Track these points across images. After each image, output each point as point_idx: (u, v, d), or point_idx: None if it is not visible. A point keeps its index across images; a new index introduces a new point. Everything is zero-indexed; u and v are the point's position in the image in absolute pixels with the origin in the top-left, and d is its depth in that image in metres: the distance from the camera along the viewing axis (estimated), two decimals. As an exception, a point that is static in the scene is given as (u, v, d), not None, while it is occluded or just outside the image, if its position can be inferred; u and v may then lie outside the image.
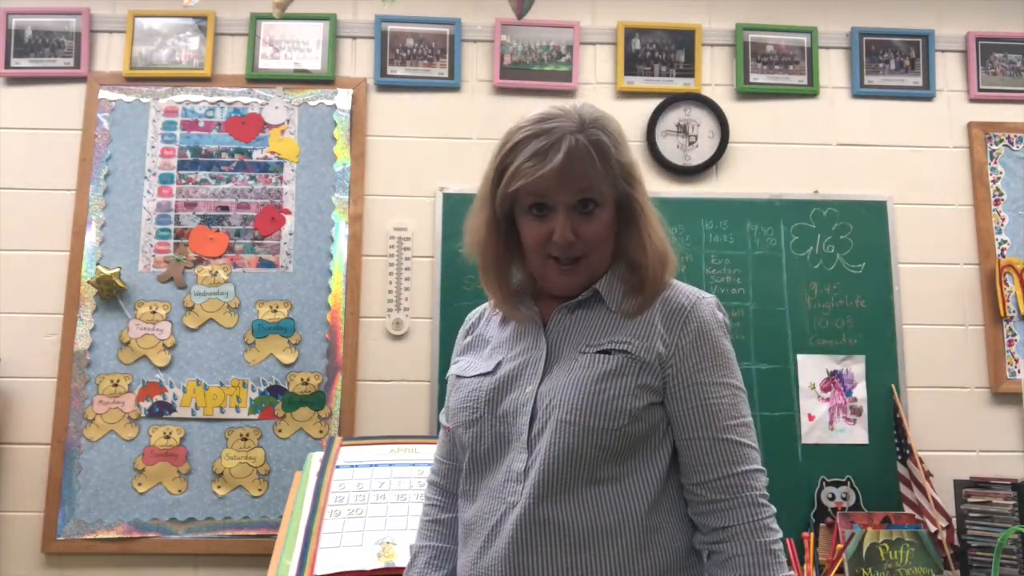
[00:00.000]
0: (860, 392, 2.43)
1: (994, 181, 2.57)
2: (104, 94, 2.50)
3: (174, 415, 2.35)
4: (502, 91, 2.57)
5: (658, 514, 1.09)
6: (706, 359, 1.12)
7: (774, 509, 1.10)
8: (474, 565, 1.11)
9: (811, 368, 2.43)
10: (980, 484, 2.27)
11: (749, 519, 1.07)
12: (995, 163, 2.58)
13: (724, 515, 1.07)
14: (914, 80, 2.62)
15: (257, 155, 2.49)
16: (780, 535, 1.08)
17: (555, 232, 1.13)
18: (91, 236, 2.42)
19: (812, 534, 2.27)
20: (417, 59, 2.56)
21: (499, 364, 1.20)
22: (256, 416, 2.36)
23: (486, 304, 1.35)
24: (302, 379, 2.38)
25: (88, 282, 2.39)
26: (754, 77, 2.60)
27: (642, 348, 1.11)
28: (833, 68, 2.63)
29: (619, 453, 1.08)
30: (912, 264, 2.52)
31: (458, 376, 1.25)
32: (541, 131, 1.13)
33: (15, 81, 2.52)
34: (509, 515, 1.08)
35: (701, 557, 1.13)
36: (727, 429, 1.09)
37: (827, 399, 2.42)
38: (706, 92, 2.59)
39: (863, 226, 2.52)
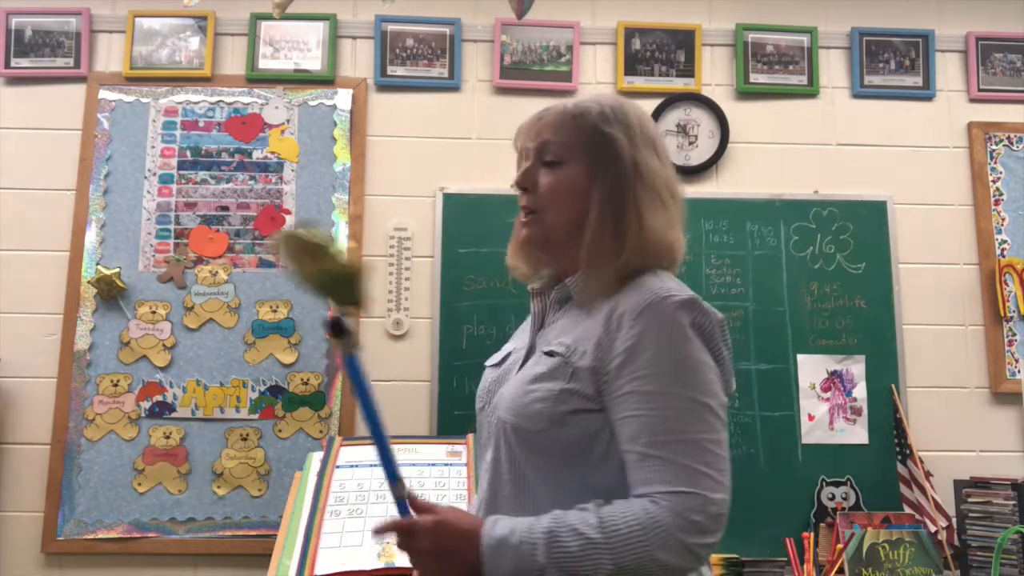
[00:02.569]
0: (860, 392, 2.43)
1: (994, 181, 2.57)
2: (104, 94, 2.50)
3: (174, 415, 2.35)
4: (502, 91, 2.57)
5: None
6: (643, 366, 0.99)
7: (695, 541, 0.93)
8: None
9: (811, 368, 2.43)
10: (980, 484, 2.27)
11: (650, 516, 0.94)
12: (995, 163, 2.58)
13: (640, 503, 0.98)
14: (914, 80, 2.62)
15: (257, 155, 2.49)
16: (666, 564, 0.93)
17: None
18: (91, 236, 2.42)
19: (812, 534, 2.27)
20: (417, 59, 2.56)
21: (508, 355, 1.22)
22: (256, 416, 2.36)
23: None
24: (302, 379, 2.38)
25: (88, 282, 2.39)
26: (754, 77, 2.60)
27: (577, 351, 1.05)
28: (833, 68, 2.63)
29: (557, 459, 1.04)
30: (912, 264, 2.52)
31: (486, 365, 1.28)
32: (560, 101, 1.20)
33: (15, 81, 2.52)
34: (494, 504, 1.10)
35: None
36: (657, 444, 0.96)
37: (827, 399, 2.42)
38: (706, 92, 2.59)
39: (863, 226, 2.52)
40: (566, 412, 1.03)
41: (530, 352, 1.15)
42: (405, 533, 0.99)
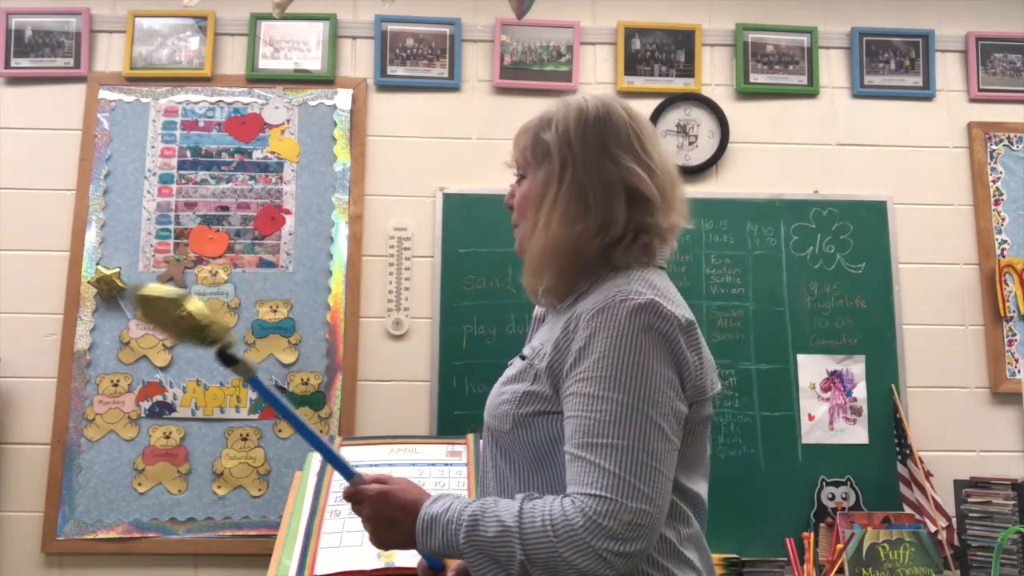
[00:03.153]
0: (860, 392, 2.43)
1: (994, 181, 2.57)
2: (104, 94, 2.50)
3: (174, 415, 2.35)
4: (502, 91, 2.57)
5: None
6: (587, 369, 0.98)
7: (604, 545, 0.91)
8: None
9: (811, 368, 2.43)
10: (980, 484, 2.27)
11: (564, 515, 0.93)
12: (995, 163, 2.58)
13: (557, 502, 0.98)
14: (914, 80, 2.62)
15: (257, 155, 2.49)
16: (575, 565, 0.92)
17: None
18: (91, 236, 2.42)
19: (812, 534, 2.27)
20: (417, 59, 2.56)
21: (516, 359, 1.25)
22: (256, 416, 2.36)
23: None
24: (302, 379, 2.38)
25: (88, 282, 2.39)
26: (754, 77, 2.60)
27: (540, 353, 1.06)
28: (833, 68, 2.63)
29: (530, 461, 1.06)
30: (912, 264, 2.52)
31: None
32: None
33: (15, 81, 2.52)
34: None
35: None
36: (583, 446, 0.96)
37: (827, 399, 2.42)
38: (706, 92, 2.59)
39: (863, 226, 2.52)
40: (528, 414, 1.05)
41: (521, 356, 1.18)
42: (354, 499, 1.07)
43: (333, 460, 1.10)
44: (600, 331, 0.99)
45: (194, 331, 1.02)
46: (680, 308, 1.03)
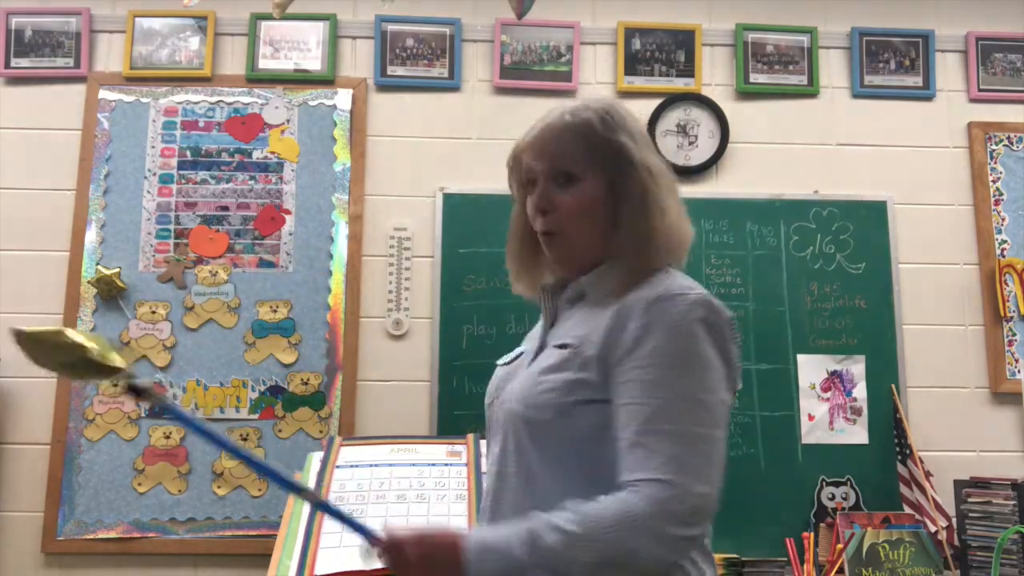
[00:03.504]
0: (860, 392, 2.43)
1: (994, 181, 2.57)
2: (104, 94, 2.50)
3: (174, 415, 2.35)
4: (502, 91, 2.57)
5: None
6: (645, 357, 1.00)
7: (675, 532, 0.93)
8: None
9: (811, 368, 2.43)
10: (980, 484, 2.27)
11: (627, 507, 0.94)
12: (995, 163, 2.58)
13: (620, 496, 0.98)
14: (914, 80, 2.62)
15: (257, 155, 2.49)
16: (648, 555, 0.93)
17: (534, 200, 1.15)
18: (91, 236, 2.42)
19: (812, 534, 2.27)
20: (417, 59, 2.56)
21: (521, 354, 1.23)
22: (256, 416, 2.36)
23: None
24: (302, 379, 2.38)
25: (88, 282, 2.39)
26: (754, 77, 2.60)
27: (588, 344, 1.06)
28: (833, 68, 2.63)
29: (565, 448, 1.05)
30: (912, 264, 2.52)
31: (497, 363, 1.30)
32: (549, 111, 1.18)
33: (15, 81, 2.52)
34: (500, 496, 1.12)
35: (685, 571, 1.03)
36: (643, 432, 0.97)
37: (827, 399, 2.42)
38: (706, 92, 2.59)
39: (863, 226, 2.52)
40: (574, 402, 1.04)
41: (541, 349, 1.17)
42: (390, 549, 0.99)
43: (361, 530, 1.03)
44: (658, 321, 1.01)
45: (83, 367, 1.00)
46: (724, 307, 1.07)
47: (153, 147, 2.48)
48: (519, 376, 1.15)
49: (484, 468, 1.26)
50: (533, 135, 1.16)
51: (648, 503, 0.93)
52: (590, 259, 1.15)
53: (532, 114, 1.21)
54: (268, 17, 2.53)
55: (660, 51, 2.59)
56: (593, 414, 1.03)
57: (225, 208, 2.46)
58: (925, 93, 2.61)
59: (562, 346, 1.09)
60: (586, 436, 1.04)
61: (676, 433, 0.97)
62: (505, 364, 1.26)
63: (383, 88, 2.56)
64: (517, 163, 1.20)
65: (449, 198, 2.49)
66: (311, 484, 1.97)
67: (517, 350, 1.27)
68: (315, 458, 2.07)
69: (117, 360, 0.99)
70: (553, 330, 1.18)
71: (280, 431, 2.36)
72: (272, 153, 2.49)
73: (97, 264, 2.40)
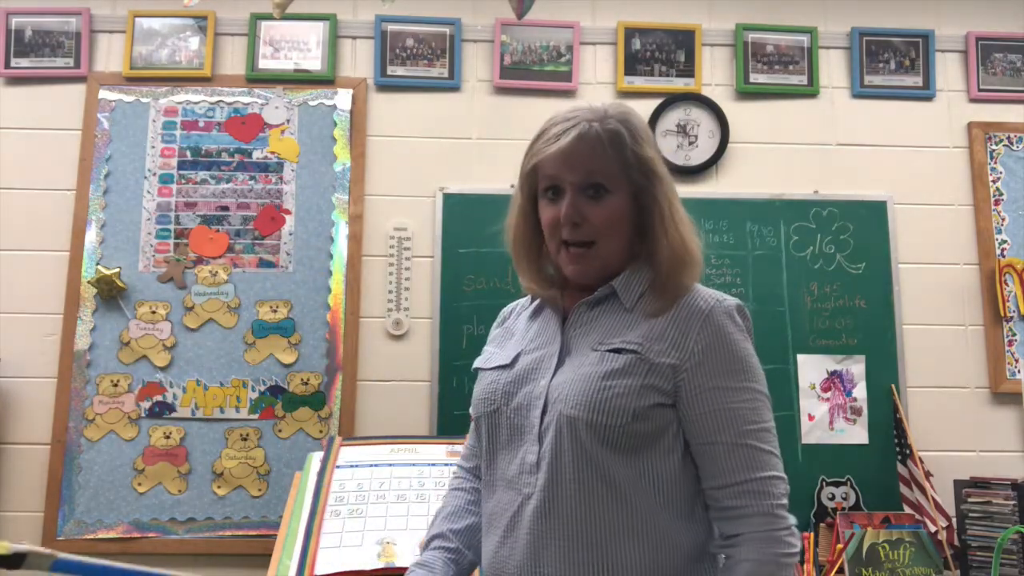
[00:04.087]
0: (860, 392, 2.43)
1: (994, 181, 2.57)
2: (104, 94, 2.50)
3: (174, 415, 2.35)
4: (502, 91, 2.57)
5: (671, 517, 1.08)
6: (723, 363, 1.10)
7: (792, 520, 1.08)
8: (495, 555, 1.14)
9: (811, 368, 2.43)
10: (980, 484, 2.27)
11: (762, 528, 1.06)
12: (995, 163, 2.58)
13: (739, 523, 1.07)
14: (914, 80, 2.62)
15: (257, 155, 2.49)
16: (794, 549, 1.06)
17: (562, 212, 1.15)
18: (91, 236, 2.42)
19: (812, 534, 2.27)
20: (417, 59, 2.56)
21: (518, 356, 1.21)
22: (256, 416, 2.36)
23: (522, 299, 1.35)
24: (302, 379, 2.38)
25: (88, 282, 2.39)
26: (754, 77, 2.60)
27: (653, 351, 1.10)
28: (833, 68, 2.63)
29: (626, 452, 1.08)
30: (912, 264, 2.52)
31: (479, 368, 1.28)
32: (565, 119, 1.17)
33: (15, 81, 2.52)
34: (526, 507, 1.10)
35: (716, 562, 1.12)
36: (746, 434, 1.08)
37: (827, 399, 2.42)
38: (706, 92, 2.59)
39: (863, 226, 2.52)
40: (648, 406, 1.08)
41: (566, 351, 1.16)
42: None
43: None
44: (723, 330, 1.11)
45: None
46: None
47: (153, 147, 2.48)
48: (565, 378, 1.12)
49: (483, 482, 1.24)
50: (562, 146, 1.14)
51: (774, 512, 1.07)
52: (615, 269, 1.19)
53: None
54: (268, 17, 2.53)
55: (660, 51, 2.59)
56: (660, 417, 1.10)
57: (225, 208, 2.46)
58: (925, 93, 2.61)
59: (618, 351, 1.11)
60: (649, 437, 1.09)
61: (767, 431, 1.10)
62: (501, 367, 1.22)
63: (383, 88, 2.56)
64: (535, 171, 1.18)
65: (449, 198, 2.49)
66: (311, 484, 1.98)
67: (508, 351, 1.24)
68: (315, 458, 2.07)
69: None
70: (575, 332, 1.18)
71: (280, 431, 2.36)
72: (272, 153, 2.49)
73: (97, 264, 2.40)
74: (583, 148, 1.13)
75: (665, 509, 1.08)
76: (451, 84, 2.55)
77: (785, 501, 1.08)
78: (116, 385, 2.35)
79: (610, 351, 1.11)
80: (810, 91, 2.60)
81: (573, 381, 1.11)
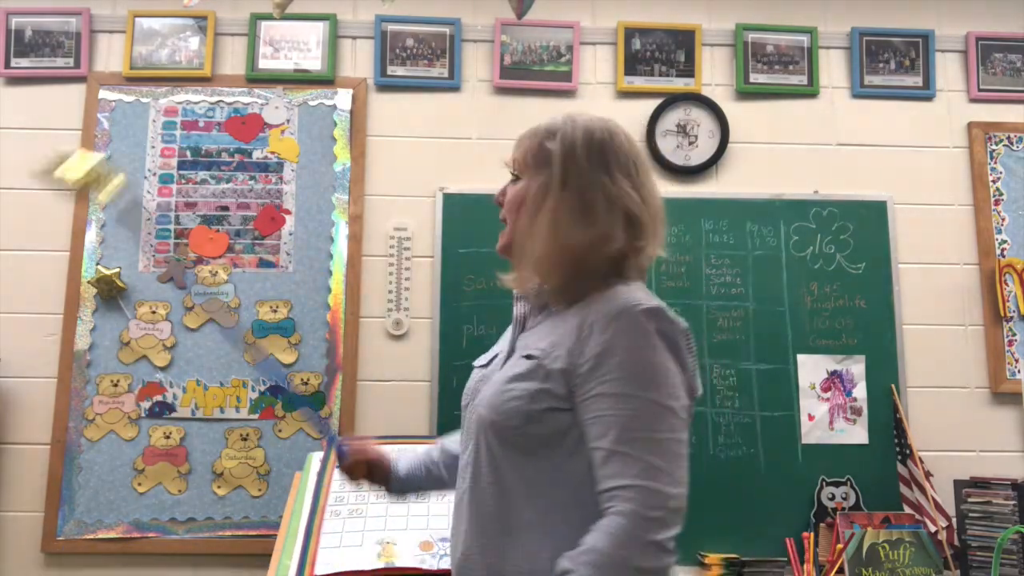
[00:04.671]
0: (860, 392, 2.43)
1: (994, 181, 2.57)
2: (104, 94, 2.50)
3: (174, 415, 2.35)
4: (502, 91, 2.57)
5: (581, 516, 1.07)
6: (614, 370, 1.06)
7: (657, 536, 0.99)
8: (451, 536, 1.23)
9: (811, 368, 2.43)
10: (980, 484, 2.27)
11: (615, 527, 1.00)
12: (995, 163, 2.58)
13: (607, 519, 1.03)
14: (914, 80, 2.62)
15: (257, 155, 2.49)
16: (647, 567, 0.99)
17: None
18: (91, 236, 2.42)
19: (812, 534, 2.27)
20: (417, 59, 2.56)
21: (495, 357, 1.27)
22: (256, 416, 2.36)
23: None
24: (302, 379, 2.38)
25: (88, 282, 2.39)
26: (754, 77, 2.60)
27: (551, 356, 1.11)
28: (833, 68, 2.63)
29: (528, 452, 1.11)
30: (912, 264, 2.52)
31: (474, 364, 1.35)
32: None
33: (15, 81, 2.52)
34: (464, 497, 1.18)
35: None
36: (623, 442, 1.03)
37: (827, 399, 2.42)
38: (706, 92, 2.59)
39: (863, 226, 2.52)
40: (540, 410, 1.10)
41: (510, 354, 1.21)
42: None
43: None
44: (619, 335, 1.07)
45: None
46: (679, 317, 1.12)
47: (153, 147, 2.48)
48: (490, 381, 1.19)
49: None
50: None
51: (632, 519, 1.00)
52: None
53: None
54: (268, 17, 2.53)
55: (660, 51, 2.59)
56: (556, 421, 1.10)
57: (225, 208, 2.46)
58: (925, 93, 2.61)
59: (528, 356, 1.14)
60: (549, 440, 1.10)
61: (649, 440, 1.03)
62: (481, 366, 1.28)
63: (383, 88, 2.56)
64: None
65: (449, 198, 2.49)
66: (311, 484, 1.98)
67: (492, 351, 1.30)
68: (315, 458, 2.08)
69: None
70: (523, 336, 1.23)
71: (280, 431, 2.36)
72: (272, 153, 2.49)
73: (97, 264, 2.40)
74: (522, 137, 1.23)
75: (575, 508, 1.08)
76: (451, 84, 2.55)
77: (658, 515, 1.00)
78: (116, 385, 2.35)
79: (524, 356, 1.16)
80: (810, 91, 2.60)
81: (491, 385, 1.18)
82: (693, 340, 1.13)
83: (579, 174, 1.16)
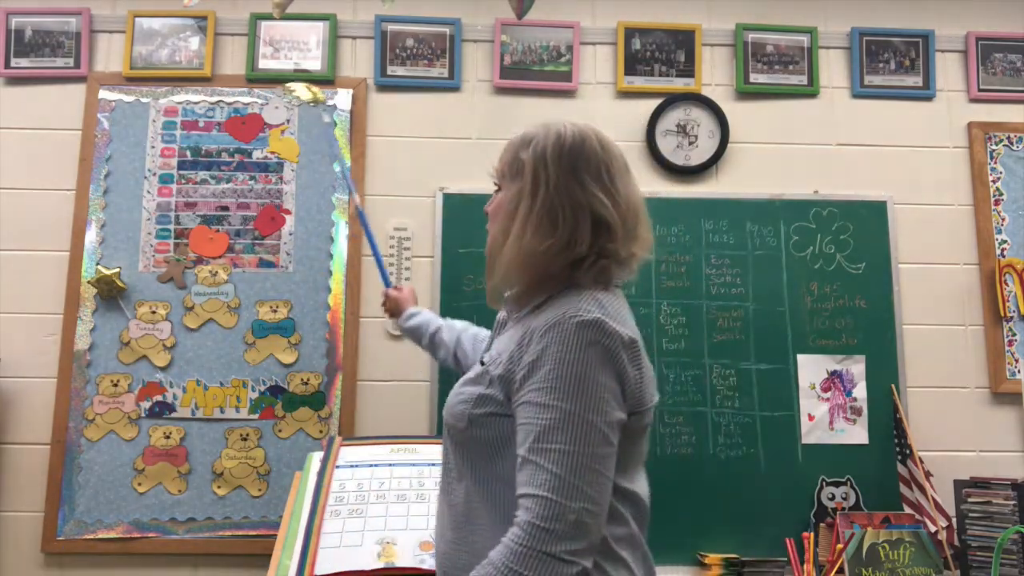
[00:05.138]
0: (860, 392, 2.43)
1: (994, 181, 2.57)
2: (104, 94, 2.50)
3: (174, 415, 2.35)
4: (502, 91, 2.57)
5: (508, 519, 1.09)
6: (541, 379, 1.08)
7: (555, 549, 1.00)
8: (436, 530, 1.28)
9: (811, 368, 2.43)
10: (980, 484, 2.27)
11: (512, 539, 1.02)
12: (995, 163, 2.58)
13: (510, 531, 1.05)
14: (914, 80, 2.62)
15: (257, 155, 2.49)
16: (535, 572, 1.00)
17: None
18: (91, 236, 2.42)
19: (812, 534, 2.28)
20: (417, 59, 2.56)
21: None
22: (256, 416, 2.36)
23: None
24: (302, 379, 2.38)
25: (88, 282, 2.39)
26: (754, 77, 2.60)
27: (495, 363, 1.17)
28: (833, 68, 2.63)
29: (478, 453, 1.17)
30: (912, 264, 2.52)
31: None
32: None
33: (15, 81, 2.52)
34: (440, 492, 1.27)
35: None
36: (536, 451, 1.05)
37: (827, 399, 2.42)
38: (706, 92, 2.59)
39: (863, 226, 2.52)
40: (482, 415, 1.15)
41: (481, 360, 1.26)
42: None
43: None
44: (551, 346, 1.08)
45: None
46: (625, 327, 1.12)
47: (153, 147, 2.48)
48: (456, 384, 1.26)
49: None
50: None
51: (527, 530, 1.01)
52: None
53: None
54: (268, 17, 2.54)
55: (660, 51, 2.59)
56: (497, 425, 1.14)
57: (225, 208, 2.46)
58: (925, 93, 2.62)
59: (482, 362, 1.21)
60: (495, 443, 1.15)
61: (560, 452, 1.03)
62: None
63: (383, 88, 2.56)
64: None
65: (449, 198, 2.49)
66: (311, 484, 1.98)
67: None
68: (315, 458, 2.07)
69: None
70: (497, 340, 1.29)
71: (280, 431, 2.36)
72: (272, 153, 2.49)
73: (97, 264, 2.40)
74: (502, 149, 1.29)
75: (506, 510, 1.10)
76: (451, 84, 2.55)
77: (553, 527, 1.00)
78: (116, 385, 2.35)
79: (480, 362, 1.22)
80: (810, 91, 2.60)
81: (454, 387, 1.24)
82: (642, 351, 1.13)
83: (548, 181, 1.18)
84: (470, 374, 1.22)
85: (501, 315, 1.33)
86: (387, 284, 2.03)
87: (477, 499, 1.16)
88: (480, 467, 1.16)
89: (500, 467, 1.14)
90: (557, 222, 1.16)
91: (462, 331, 1.80)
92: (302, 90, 2.21)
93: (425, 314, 1.91)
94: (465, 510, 1.17)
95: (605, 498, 1.06)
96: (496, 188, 1.29)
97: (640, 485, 1.19)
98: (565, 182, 1.18)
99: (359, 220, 1.95)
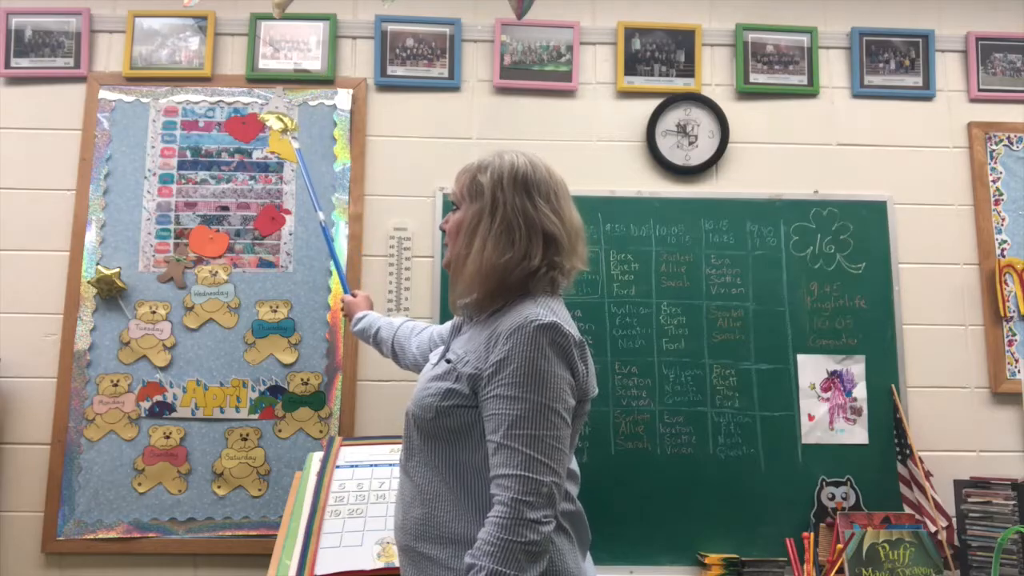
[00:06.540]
0: (860, 392, 2.43)
1: (994, 181, 2.57)
2: (104, 94, 2.50)
3: (174, 415, 2.35)
4: (502, 91, 2.57)
5: (475, 493, 1.31)
6: (509, 376, 1.26)
7: (536, 515, 1.20)
8: (396, 504, 1.45)
9: (811, 368, 2.43)
10: (980, 484, 2.27)
11: (497, 515, 1.21)
12: (995, 163, 2.58)
13: (493, 508, 1.23)
14: (914, 80, 2.62)
15: (257, 155, 2.49)
16: (525, 539, 1.19)
17: None
18: (91, 236, 2.42)
19: (812, 534, 2.28)
20: (417, 59, 2.56)
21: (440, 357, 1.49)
22: (256, 416, 2.36)
23: None
24: (302, 379, 2.38)
25: (88, 282, 2.39)
26: (754, 77, 2.60)
27: (463, 361, 1.34)
28: (833, 68, 2.63)
29: (441, 440, 1.35)
30: (912, 264, 2.52)
31: None
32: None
33: (15, 81, 2.52)
34: (401, 471, 1.44)
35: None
36: (511, 437, 1.24)
37: (827, 399, 2.42)
38: (706, 92, 2.59)
39: (863, 226, 2.52)
40: (448, 407, 1.33)
41: (443, 355, 1.44)
42: None
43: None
44: (516, 346, 1.27)
45: None
46: (574, 329, 1.33)
47: (153, 147, 2.48)
48: (421, 378, 1.44)
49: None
50: None
51: (510, 505, 1.20)
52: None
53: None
54: (268, 17, 2.53)
55: (660, 51, 2.59)
56: (462, 416, 1.32)
57: (225, 208, 2.46)
58: (925, 93, 2.62)
59: (448, 360, 1.38)
60: (456, 432, 1.33)
61: (531, 436, 1.24)
62: (432, 364, 1.49)
63: (383, 88, 2.56)
64: None
65: (449, 198, 2.49)
66: (311, 484, 1.98)
67: (440, 350, 1.51)
68: (315, 458, 2.08)
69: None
70: (456, 340, 1.46)
71: (280, 431, 2.36)
72: (272, 153, 2.49)
73: (97, 264, 2.40)
74: (457, 173, 1.48)
75: (481, 486, 1.30)
76: (451, 84, 2.55)
77: (531, 499, 1.21)
78: (116, 385, 2.35)
79: (445, 359, 1.40)
80: (810, 91, 2.60)
81: (419, 381, 1.43)
82: (588, 350, 1.35)
83: (505, 202, 1.38)
84: (436, 371, 1.39)
85: (456, 320, 1.52)
86: (346, 291, 2.18)
87: (439, 479, 1.34)
88: (444, 451, 1.35)
89: (461, 451, 1.33)
90: (514, 238, 1.36)
91: (399, 327, 1.96)
92: (273, 121, 2.32)
93: (370, 316, 2.06)
94: (430, 489, 1.34)
95: (565, 469, 1.28)
96: (454, 208, 1.47)
97: (574, 464, 1.43)
98: (520, 203, 1.38)
99: (323, 234, 2.21)
